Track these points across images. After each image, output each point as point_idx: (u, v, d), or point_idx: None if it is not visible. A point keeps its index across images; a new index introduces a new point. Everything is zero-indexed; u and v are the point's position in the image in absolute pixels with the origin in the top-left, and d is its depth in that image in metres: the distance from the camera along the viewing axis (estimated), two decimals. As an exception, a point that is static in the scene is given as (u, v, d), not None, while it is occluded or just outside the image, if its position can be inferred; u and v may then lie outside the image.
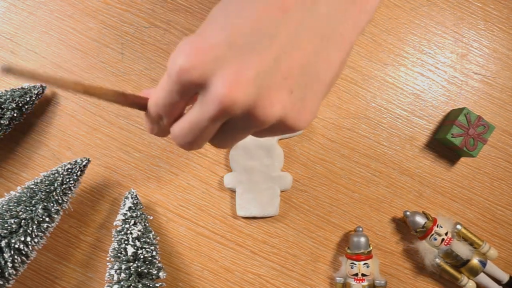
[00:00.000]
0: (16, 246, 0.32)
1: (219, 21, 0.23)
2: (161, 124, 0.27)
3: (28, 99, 0.38)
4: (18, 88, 0.38)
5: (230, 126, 0.25)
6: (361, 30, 0.25)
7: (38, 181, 0.35)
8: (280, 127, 0.25)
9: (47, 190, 0.34)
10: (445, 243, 0.38)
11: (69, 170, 0.36)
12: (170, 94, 0.24)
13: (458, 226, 0.39)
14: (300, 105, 0.24)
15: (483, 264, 0.38)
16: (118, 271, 0.34)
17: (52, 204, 0.34)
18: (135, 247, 0.34)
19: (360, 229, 0.40)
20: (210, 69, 0.22)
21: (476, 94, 0.42)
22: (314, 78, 0.24)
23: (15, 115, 0.37)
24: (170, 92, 0.24)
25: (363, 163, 0.41)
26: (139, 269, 0.34)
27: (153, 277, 0.35)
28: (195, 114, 0.24)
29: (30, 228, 0.32)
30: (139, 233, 0.35)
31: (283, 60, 0.23)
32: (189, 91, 0.23)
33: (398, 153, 0.41)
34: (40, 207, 0.33)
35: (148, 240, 0.36)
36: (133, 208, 0.37)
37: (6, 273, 0.32)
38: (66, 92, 0.41)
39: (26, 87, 0.38)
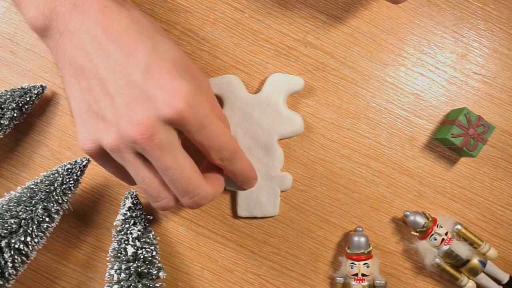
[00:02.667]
0: (16, 246, 0.32)
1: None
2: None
3: (28, 99, 0.38)
4: (18, 88, 0.38)
5: None
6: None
7: (38, 181, 0.35)
8: None
9: (47, 190, 0.34)
10: (445, 243, 0.38)
11: (69, 170, 0.36)
12: None
13: (458, 226, 0.39)
14: None
15: (483, 264, 0.38)
16: (118, 271, 0.34)
17: (52, 204, 0.34)
18: (135, 247, 0.34)
19: (360, 229, 0.40)
20: None
21: (476, 94, 0.42)
22: None
23: (15, 115, 0.37)
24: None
25: (363, 163, 0.41)
26: (139, 269, 0.34)
27: (153, 277, 0.35)
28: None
29: (30, 228, 0.32)
30: (139, 233, 0.35)
31: None
32: None
33: (398, 153, 0.41)
34: (40, 207, 0.33)
35: (148, 240, 0.36)
36: (133, 208, 0.37)
37: (6, 273, 0.32)
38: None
39: (26, 87, 0.38)
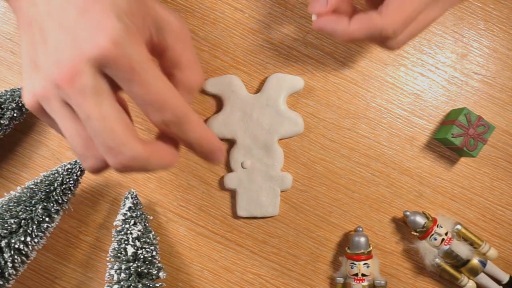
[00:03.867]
0: (16, 246, 0.32)
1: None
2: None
3: (28, 99, 0.38)
4: (18, 88, 0.38)
5: None
6: None
7: (38, 181, 0.35)
8: None
9: (47, 190, 0.34)
10: (445, 243, 0.38)
11: (69, 170, 0.36)
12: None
13: (458, 226, 0.39)
14: None
15: (483, 264, 0.38)
16: (118, 271, 0.34)
17: (52, 204, 0.34)
18: (135, 247, 0.34)
19: (360, 229, 0.40)
20: None
21: (476, 94, 0.42)
22: None
23: (15, 115, 0.37)
24: None
25: (363, 163, 0.41)
26: (139, 269, 0.34)
27: (153, 277, 0.35)
28: (438, 11, 0.30)
29: (30, 228, 0.32)
30: (139, 233, 0.35)
31: None
32: None
33: (398, 153, 0.41)
34: (40, 207, 0.33)
35: (148, 240, 0.36)
36: (133, 208, 0.37)
37: (6, 273, 0.32)
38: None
39: (26, 87, 0.38)
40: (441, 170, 0.42)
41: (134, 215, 0.36)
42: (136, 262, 0.34)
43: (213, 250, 0.41)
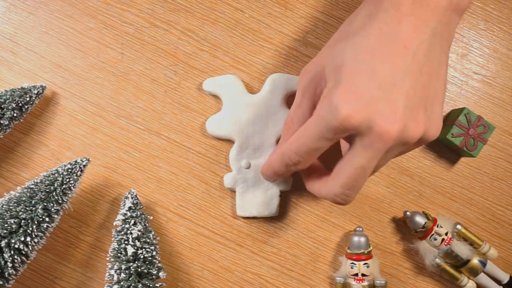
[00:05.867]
0: (16, 246, 0.32)
1: (363, 70, 0.26)
2: (291, 170, 0.32)
3: (28, 99, 0.38)
4: (18, 88, 0.38)
5: (386, 157, 0.29)
6: (453, 35, 0.30)
7: (38, 181, 0.35)
8: (421, 142, 0.29)
9: (47, 190, 0.34)
10: (445, 243, 0.38)
11: (69, 170, 0.36)
12: (320, 141, 0.28)
13: (458, 226, 0.39)
14: (433, 118, 0.29)
15: (483, 264, 0.38)
16: (118, 271, 0.34)
17: (52, 204, 0.34)
18: (135, 247, 0.34)
19: (360, 229, 0.40)
20: (369, 111, 0.25)
21: (476, 94, 0.42)
22: (435, 94, 0.29)
23: (15, 115, 0.37)
24: (321, 138, 0.28)
25: (363, 163, 0.41)
26: (139, 269, 0.34)
27: (153, 277, 0.35)
28: (361, 157, 0.27)
29: (30, 228, 0.32)
30: (139, 233, 0.35)
31: (417, 87, 0.27)
32: (343, 134, 0.27)
33: (398, 153, 0.41)
34: (40, 207, 0.33)
35: (148, 240, 0.36)
36: (133, 208, 0.37)
37: (6, 273, 0.32)
38: (66, 92, 0.41)
39: (26, 87, 0.38)
40: (441, 170, 0.42)
41: (134, 215, 0.36)
42: (136, 262, 0.34)
43: (213, 250, 0.41)
